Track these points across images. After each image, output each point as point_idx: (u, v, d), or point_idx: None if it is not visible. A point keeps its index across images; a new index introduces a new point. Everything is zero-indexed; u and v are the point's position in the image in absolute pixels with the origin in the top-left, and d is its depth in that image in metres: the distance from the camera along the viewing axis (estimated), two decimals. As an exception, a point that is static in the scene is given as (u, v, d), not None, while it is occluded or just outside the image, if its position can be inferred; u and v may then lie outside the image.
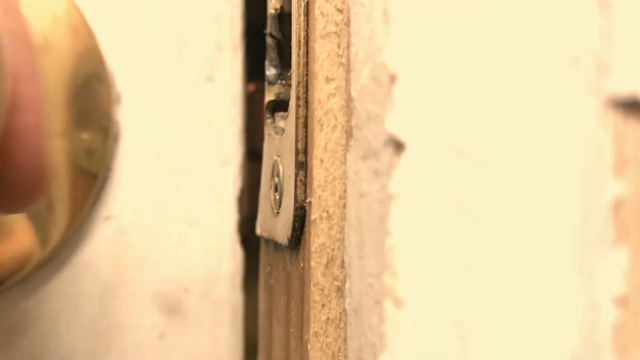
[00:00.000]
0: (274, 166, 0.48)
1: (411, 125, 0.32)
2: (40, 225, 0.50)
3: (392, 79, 0.33)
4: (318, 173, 0.42)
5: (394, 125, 0.33)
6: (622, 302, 0.27)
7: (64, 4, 0.49)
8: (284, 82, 0.50)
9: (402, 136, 0.33)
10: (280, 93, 0.50)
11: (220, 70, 0.53)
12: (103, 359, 0.52)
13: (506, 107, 0.30)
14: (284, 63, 0.50)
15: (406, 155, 0.33)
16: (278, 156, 0.48)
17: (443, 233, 0.32)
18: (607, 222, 0.27)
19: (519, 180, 0.30)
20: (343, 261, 0.42)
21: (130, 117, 0.53)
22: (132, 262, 0.52)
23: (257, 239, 0.54)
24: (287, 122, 0.46)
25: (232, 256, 0.54)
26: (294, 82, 0.44)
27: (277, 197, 0.47)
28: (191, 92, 0.53)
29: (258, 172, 0.52)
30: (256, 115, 0.55)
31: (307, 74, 0.43)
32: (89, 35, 0.50)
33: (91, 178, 0.51)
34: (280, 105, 0.50)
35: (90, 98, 0.49)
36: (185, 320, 0.53)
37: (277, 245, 0.49)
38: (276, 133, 0.49)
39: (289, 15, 0.47)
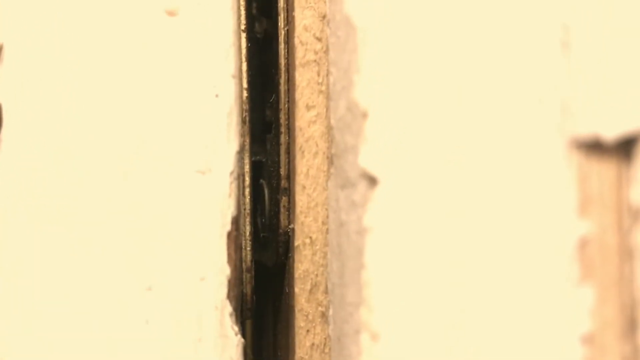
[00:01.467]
0: (260, 189, 0.49)
1: (382, 161, 0.33)
2: None
3: (364, 115, 0.33)
4: (300, 199, 0.43)
5: (367, 161, 0.33)
6: (589, 340, 0.27)
7: None
8: (269, 105, 0.50)
9: (374, 171, 0.33)
10: (266, 116, 0.50)
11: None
12: None
13: (473, 146, 0.30)
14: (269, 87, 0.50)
15: (379, 189, 0.33)
16: (263, 179, 0.48)
17: (416, 267, 0.32)
18: (573, 261, 0.27)
19: (487, 216, 0.30)
20: (327, 287, 0.42)
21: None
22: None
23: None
24: (270, 148, 0.46)
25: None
26: (276, 109, 0.44)
27: (263, 220, 0.47)
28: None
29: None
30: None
31: (288, 101, 0.44)
32: None
33: None
34: (269, 127, 0.51)
35: None
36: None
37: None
38: (263, 156, 0.50)
39: (272, 40, 0.47)
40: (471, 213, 0.30)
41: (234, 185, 0.41)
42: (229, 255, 0.40)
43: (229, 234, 0.41)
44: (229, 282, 0.40)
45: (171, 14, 0.40)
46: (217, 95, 0.40)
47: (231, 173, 0.41)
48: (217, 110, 0.41)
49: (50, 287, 0.39)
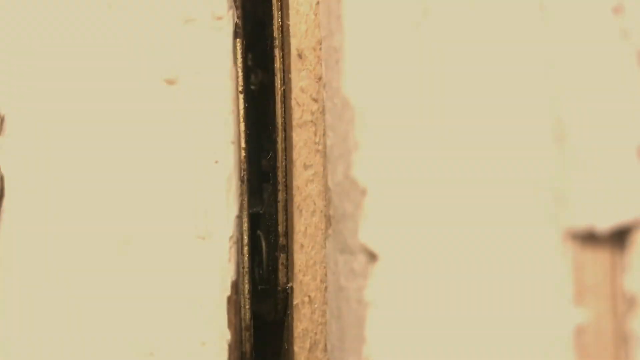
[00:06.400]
0: (257, 240, 0.49)
1: (382, 238, 0.33)
2: None
3: (363, 192, 0.34)
4: (299, 258, 0.43)
5: (367, 237, 0.34)
6: None
7: None
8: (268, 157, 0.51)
9: (374, 248, 0.34)
10: (262, 167, 0.51)
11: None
12: None
13: (471, 233, 0.31)
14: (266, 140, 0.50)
15: (379, 265, 0.34)
16: (260, 231, 0.48)
17: (418, 343, 0.33)
18: (569, 348, 0.28)
19: (485, 303, 0.31)
20: (326, 345, 0.43)
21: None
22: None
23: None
24: (267, 198, 0.47)
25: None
26: (274, 166, 0.45)
27: (261, 272, 0.48)
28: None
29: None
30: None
31: (286, 159, 0.44)
32: None
33: None
34: (266, 176, 0.51)
35: None
36: None
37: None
38: (261, 207, 0.50)
39: (268, 90, 0.47)
40: (471, 300, 0.31)
41: (234, 249, 0.41)
42: (229, 320, 0.41)
43: (229, 299, 0.41)
44: (229, 346, 0.40)
45: (170, 82, 0.40)
46: (216, 162, 0.41)
47: (230, 238, 0.41)
48: (217, 176, 0.41)
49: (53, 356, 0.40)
